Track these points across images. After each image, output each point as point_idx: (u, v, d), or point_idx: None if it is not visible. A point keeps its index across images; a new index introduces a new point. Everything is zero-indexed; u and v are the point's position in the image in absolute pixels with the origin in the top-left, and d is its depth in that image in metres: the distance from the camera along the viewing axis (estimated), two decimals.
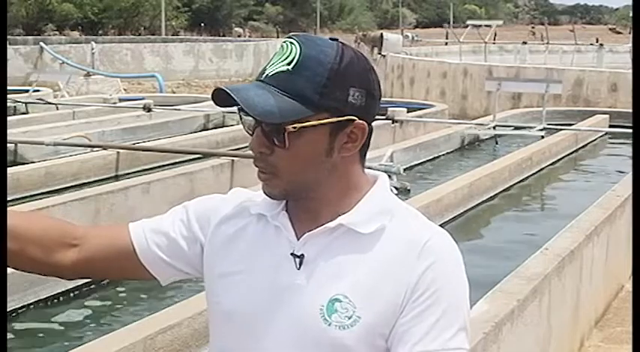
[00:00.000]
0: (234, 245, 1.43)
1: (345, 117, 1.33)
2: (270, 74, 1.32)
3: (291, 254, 1.36)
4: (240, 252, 1.42)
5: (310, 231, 1.36)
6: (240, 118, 1.36)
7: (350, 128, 1.34)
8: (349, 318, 1.31)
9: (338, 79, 1.31)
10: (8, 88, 12.86)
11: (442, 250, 1.35)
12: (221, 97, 1.32)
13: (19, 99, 13.77)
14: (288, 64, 1.31)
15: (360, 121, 1.34)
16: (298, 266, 1.35)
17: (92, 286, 5.64)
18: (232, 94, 1.28)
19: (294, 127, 1.30)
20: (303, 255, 1.36)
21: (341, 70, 1.31)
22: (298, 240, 1.37)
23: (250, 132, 1.36)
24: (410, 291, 1.31)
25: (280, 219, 1.39)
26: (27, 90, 14.28)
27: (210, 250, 1.45)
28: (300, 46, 1.32)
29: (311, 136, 1.32)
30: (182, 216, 1.48)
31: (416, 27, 73.62)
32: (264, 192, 1.38)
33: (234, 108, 1.34)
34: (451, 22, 44.06)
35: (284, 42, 1.34)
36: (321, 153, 1.34)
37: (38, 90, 14.97)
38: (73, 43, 29.79)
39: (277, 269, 1.37)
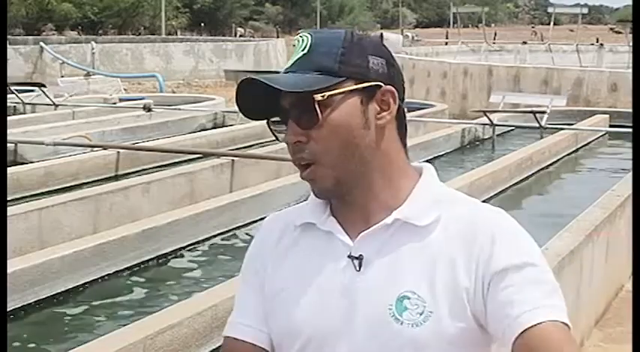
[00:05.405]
0: (287, 262, 1.38)
1: (372, 83, 1.31)
2: (289, 65, 1.33)
3: (349, 256, 1.31)
4: (293, 267, 1.37)
5: (365, 230, 1.31)
6: (271, 131, 1.35)
7: (379, 95, 1.31)
8: (421, 315, 1.25)
9: (354, 47, 1.31)
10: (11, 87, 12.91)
11: (498, 220, 1.31)
12: (246, 106, 1.33)
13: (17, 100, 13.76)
14: (303, 49, 1.32)
15: (388, 86, 1.32)
16: (358, 267, 1.30)
17: (91, 285, 5.64)
18: (260, 79, 1.28)
19: (322, 96, 1.27)
20: (361, 255, 1.30)
21: (355, 41, 1.32)
22: (353, 241, 1.32)
23: (287, 139, 1.32)
24: (482, 268, 1.25)
25: (329, 225, 1.35)
26: (26, 91, 14.25)
27: (267, 277, 1.41)
28: (311, 34, 1.34)
29: (343, 108, 1.29)
30: (245, 284, 1.44)
31: (416, 27, 73.78)
32: (314, 192, 1.34)
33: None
34: (451, 22, 44.03)
35: (297, 38, 1.36)
36: (358, 126, 1.30)
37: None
38: (73, 43, 29.78)
39: (337, 275, 1.31)
